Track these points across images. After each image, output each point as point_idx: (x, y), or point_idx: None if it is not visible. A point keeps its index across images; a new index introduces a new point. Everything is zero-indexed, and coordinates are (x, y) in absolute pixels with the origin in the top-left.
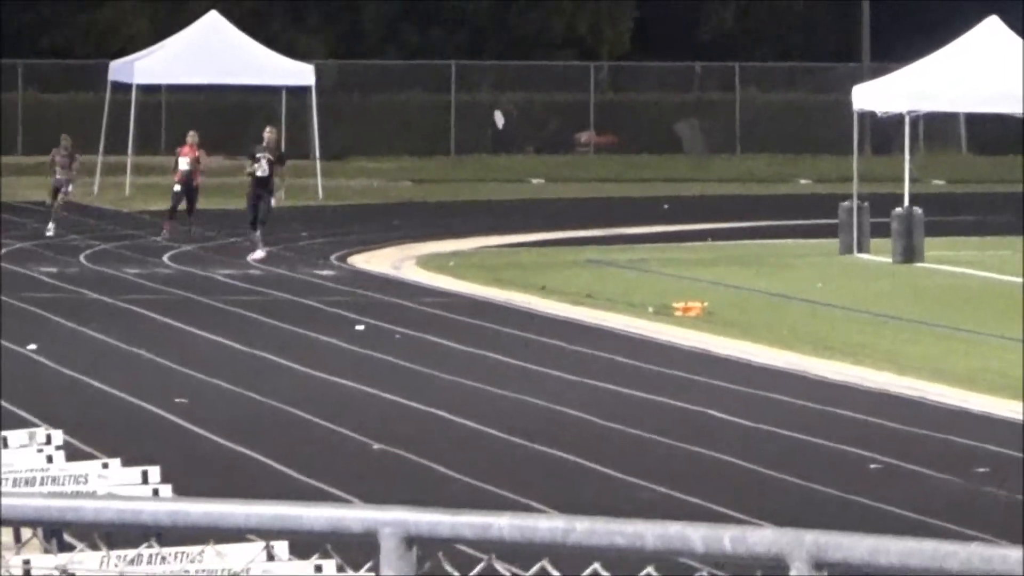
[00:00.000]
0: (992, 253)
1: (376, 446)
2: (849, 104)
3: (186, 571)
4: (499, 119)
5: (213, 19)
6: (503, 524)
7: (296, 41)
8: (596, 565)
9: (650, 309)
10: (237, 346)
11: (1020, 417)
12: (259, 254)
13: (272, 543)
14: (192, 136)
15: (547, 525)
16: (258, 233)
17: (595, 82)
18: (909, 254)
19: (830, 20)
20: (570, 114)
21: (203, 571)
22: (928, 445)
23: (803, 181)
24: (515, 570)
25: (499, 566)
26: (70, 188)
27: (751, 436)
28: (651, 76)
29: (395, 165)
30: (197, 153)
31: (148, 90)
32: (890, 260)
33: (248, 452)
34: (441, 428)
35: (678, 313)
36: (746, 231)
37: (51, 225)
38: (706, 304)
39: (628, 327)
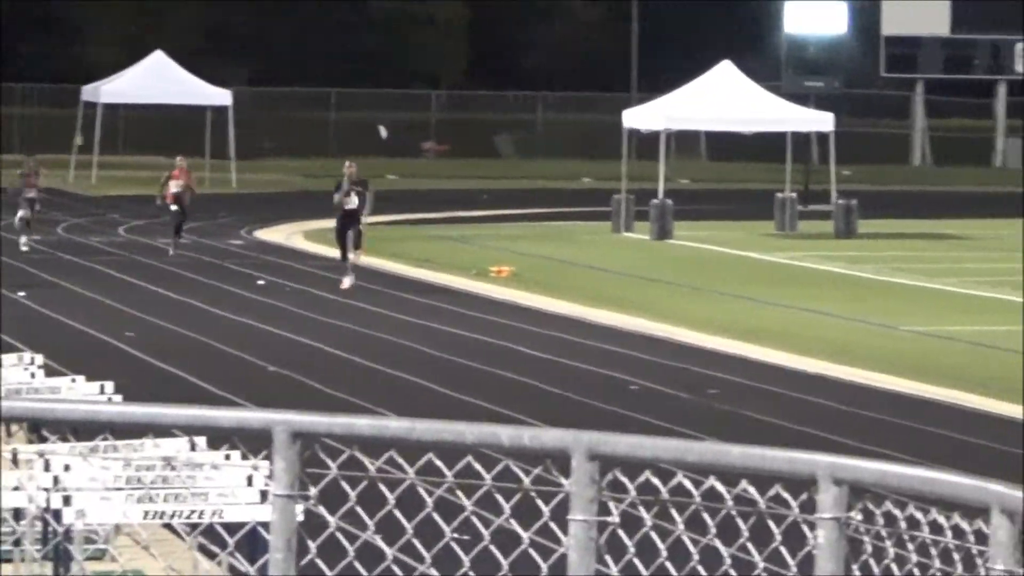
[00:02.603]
0: (724, 233)
1: (271, 368)
2: (620, 123)
3: (131, 457)
4: (383, 132)
5: (159, 57)
6: (363, 423)
7: (220, 72)
8: (430, 455)
9: (472, 271)
10: (171, 295)
11: (739, 352)
12: (347, 283)
13: (194, 438)
14: (180, 160)
15: (396, 424)
16: (350, 261)
17: (436, 104)
18: (663, 233)
19: (609, 60)
20: (417, 128)
21: (143, 458)
22: (673, 373)
23: (586, 180)
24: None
25: (359, 456)
26: (38, 206)
27: (546, 365)
28: (478, 100)
29: (291, 164)
30: (185, 178)
31: (110, 108)
32: (649, 237)
33: (177, 371)
34: (321, 357)
35: (493, 274)
36: (544, 215)
37: (24, 239)
38: (514, 268)
39: (455, 284)
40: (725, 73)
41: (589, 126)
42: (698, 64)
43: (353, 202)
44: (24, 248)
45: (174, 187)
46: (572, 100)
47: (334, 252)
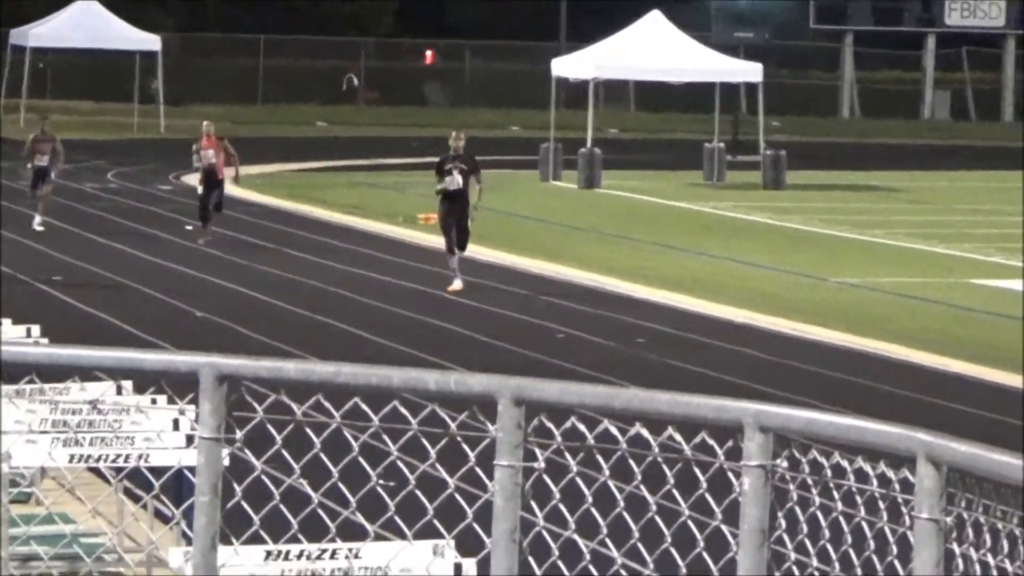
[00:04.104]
0: (651, 183)
1: (199, 313)
2: (549, 72)
3: (56, 400)
4: (353, 80)
5: (88, 2)
6: (290, 367)
7: (150, 18)
8: (356, 399)
9: (400, 219)
10: (100, 239)
11: (667, 301)
12: (457, 285)
13: (120, 381)
14: (207, 126)
15: (322, 368)
16: (456, 260)
17: (365, 54)
18: (590, 182)
19: (538, 10)
20: (349, 74)
21: (69, 401)
22: (600, 321)
23: (514, 128)
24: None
25: (286, 399)
26: (53, 175)
27: (473, 312)
28: (407, 49)
29: (219, 110)
30: (218, 144)
31: (39, 51)
32: (576, 186)
33: (103, 315)
34: (246, 302)
35: (421, 222)
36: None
37: (38, 218)
38: None
39: (384, 231)
40: (654, 23)
41: (518, 75)
42: (627, 14)
43: (457, 182)
44: (39, 228)
45: (210, 158)
46: (500, 49)
47: (262, 198)
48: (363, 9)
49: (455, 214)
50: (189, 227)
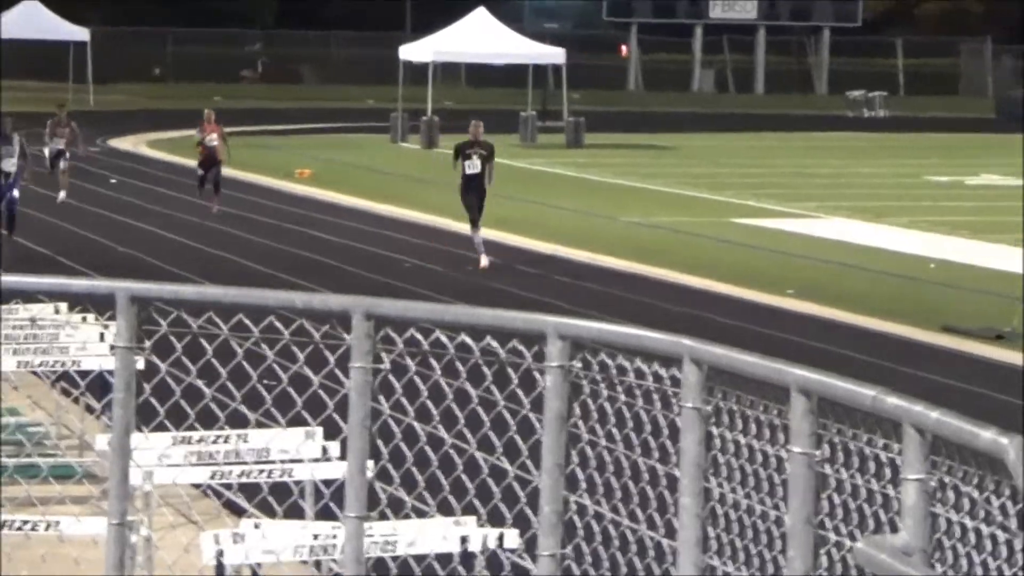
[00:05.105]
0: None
1: (120, 248)
2: (398, 56)
3: (6, 318)
4: (259, 66)
5: (32, 2)
6: (188, 290)
7: (79, 12)
8: (240, 315)
9: (280, 173)
10: (39, 190)
11: (492, 237)
12: (484, 262)
13: (57, 303)
14: (209, 113)
15: (213, 290)
16: (479, 238)
17: (255, 43)
18: (430, 144)
19: (389, 7)
20: (240, 59)
21: (16, 319)
22: (439, 254)
23: (370, 101)
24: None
25: (185, 316)
26: (68, 155)
27: (338, 247)
28: (289, 39)
29: (140, 88)
30: (218, 129)
31: None
32: (419, 147)
33: (40, 249)
34: (160, 241)
35: (297, 175)
36: (338, 129)
37: (62, 193)
38: (314, 171)
39: (268, 183)
40: (480, 17)
41: (373, 58)
42: (459, 10)
43: (475, 166)
44: (62, 197)
45: (211, 141)
46: (359, 38)
47: (173, 157)
48: (252, 5)
49: (474, 193)
50: (113, 180)
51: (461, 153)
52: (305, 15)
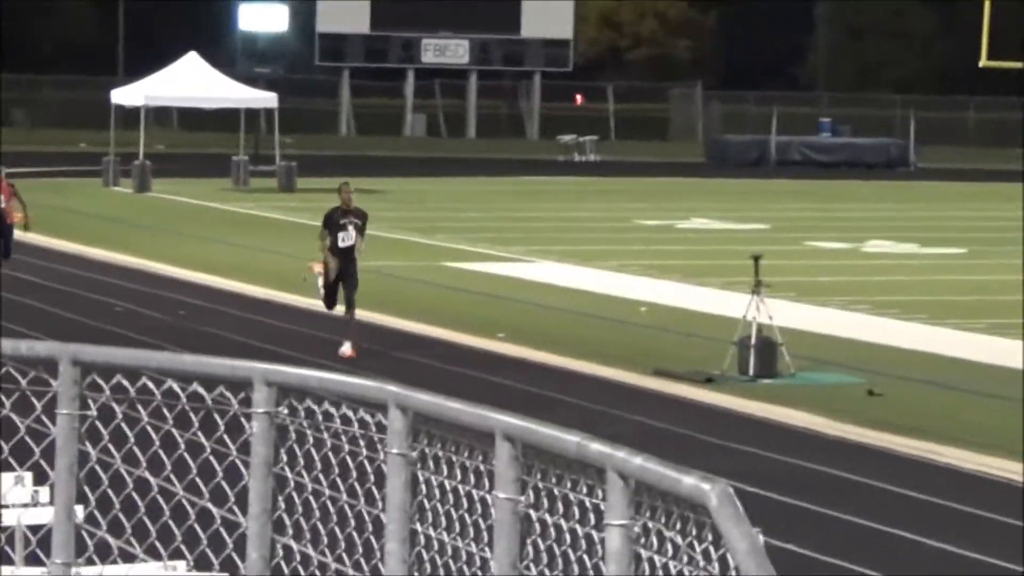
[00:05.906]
0: (190, 188)
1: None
2: (110, 99)
3: None
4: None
5: None
6: None
7: None
8: None
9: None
10: None
11: (202, 281)
12: (346, 349)
13: None
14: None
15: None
16: (352, 318)
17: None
18: (143, 188)
19: (100, 49)
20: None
21: None
22: (150, 298)
23: (82, 144)
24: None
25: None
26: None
27: (49, 292)
28: None
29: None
30: (9, 189)
31: None
32: (132, 191)
33: None
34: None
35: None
36: (50, 173)
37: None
38: (24, 215)
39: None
40: (192, 61)
41: (84, 102)
42: (171, 53)
43: (350, 237)
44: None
45: None
46: (71, 81)
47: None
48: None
49: (351, 267)
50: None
51: (334, 223)
52: (17, 57)
